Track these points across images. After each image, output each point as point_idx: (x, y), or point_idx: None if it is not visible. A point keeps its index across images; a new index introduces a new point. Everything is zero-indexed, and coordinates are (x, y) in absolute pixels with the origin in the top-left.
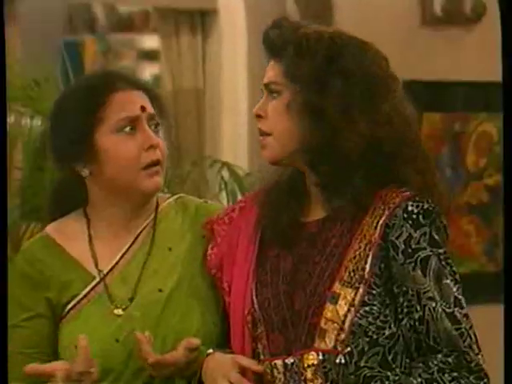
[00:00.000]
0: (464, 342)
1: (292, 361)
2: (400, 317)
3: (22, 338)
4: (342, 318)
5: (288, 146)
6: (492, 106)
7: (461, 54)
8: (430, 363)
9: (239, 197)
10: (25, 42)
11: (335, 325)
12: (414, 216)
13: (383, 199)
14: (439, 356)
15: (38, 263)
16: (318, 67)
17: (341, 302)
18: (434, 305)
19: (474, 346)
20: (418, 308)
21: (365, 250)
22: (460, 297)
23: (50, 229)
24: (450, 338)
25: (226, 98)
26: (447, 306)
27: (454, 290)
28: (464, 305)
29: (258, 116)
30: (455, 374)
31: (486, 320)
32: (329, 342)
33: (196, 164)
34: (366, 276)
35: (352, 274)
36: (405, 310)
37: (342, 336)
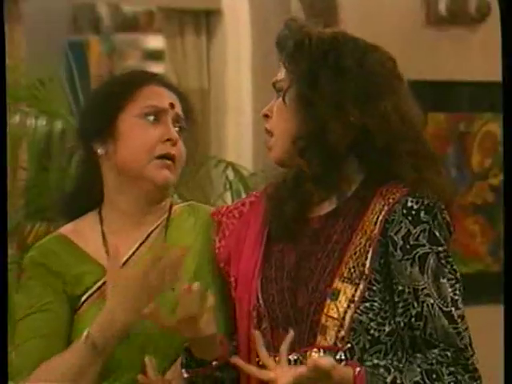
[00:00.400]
0: (461, 340)
1: (296, 357)
2: (394, 314)
3: (44, 321)
4: (342, 315)
5: (287, 142)
6: (497, 106)
7: (465, 54)
8: (429, 355)
9: (244, 197)
10: (29, 41)
11: (335, 321)
12: (414, 212)
13: (383, 195)
14: (436, 350)
15: (53, 256)
16: (314, 61)
17: (341, 298)
18: (431, 301)
19: (469, 348)
20: (416, 304)
21: (365, 245)
22: (456, 297)
23: (64, 229)
24: (448, 335)
25: (230, 98)
26: (444, 304)
27: (450, 290)
28: (460, 306)
29: (266, 116)
30: (452, 369)
31: (491, 320)
32: (329, 339)
33: (201, 164)
34: (367, 272)
35: (352, 270)
36: (399, 311)
37: (342, 332)
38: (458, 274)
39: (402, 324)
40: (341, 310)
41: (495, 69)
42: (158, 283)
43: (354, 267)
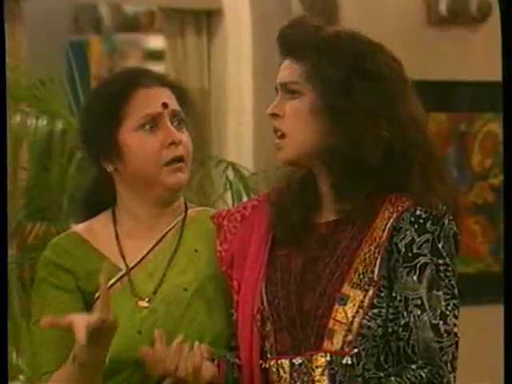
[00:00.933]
0: (442, 356)
1: (300, 361)
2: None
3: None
4: (350, 320)
5: (306, 148)
6: (498, 106)
7: (466, 54)
8: (404, 376)
9: (244, 197)
10: (30, 41)
11: (343, 326)
12: (421, 221)
13: (392, 202)
14: (413, 367)
15: (66, 254)
16: (343, 69)
17: (350, 303)
18: (419, 313)
19: (449, 365)
20: (405, 314)
21: (374, 252)
22: (448, 312)
23: (77, 227)
24: (428, 350)
25: (231, 97)
26: (433, 317)
27: (443, 303)
28: (449, 321)
29: (275, 115)
30: None
31: (491, 320)
32: (336, 343)
33: (201, 164)
34: (375, 278)
35: (361, 276)
36: (390, 317)
37: (350, 337)
38: (455, 291)
39: (390, 330)
40: (349, 315)
41: (496, 69)
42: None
43: (363, 273)
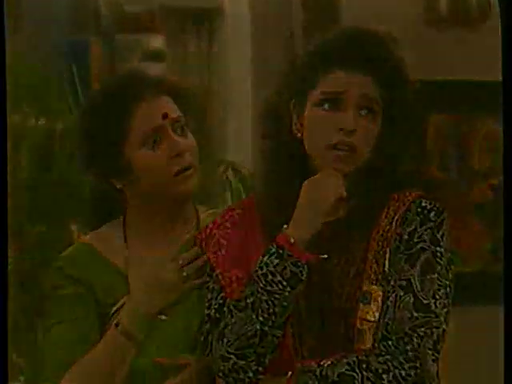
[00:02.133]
0: (426, 339)
1: (329, 362)
2: None
3: (73, 331)
4: (378, 317)
5: (363, 161)
6: (497, 106)
7: (466, 54)
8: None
9: (244, 197)
10: (30, 41)
11: (372, 324)
12: (426, 211)
13: (397, 198)
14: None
15: (82, 266)
16: (409, 95)
17: (373, 301)
18: (402, 294)
19: (432, 349)
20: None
21: (383, 246)
22: (437, 296)
23: (89, 237)
24: (401, 329)
25: (231, 97)
26: (425, 297)
27: (436, 287)
28: (438, 305)
29: (351, 131)
30: (388, 359)
31: (492, 320)
32: (367, 342)
33: (201, 164)
34: (387, 271)
35: (377, 271)
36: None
37: (379, 335)
38: (449, 277)
39: None
40: (376, 313)
41: (496, 69)
42: (177, 275)
43: (377, 268)
